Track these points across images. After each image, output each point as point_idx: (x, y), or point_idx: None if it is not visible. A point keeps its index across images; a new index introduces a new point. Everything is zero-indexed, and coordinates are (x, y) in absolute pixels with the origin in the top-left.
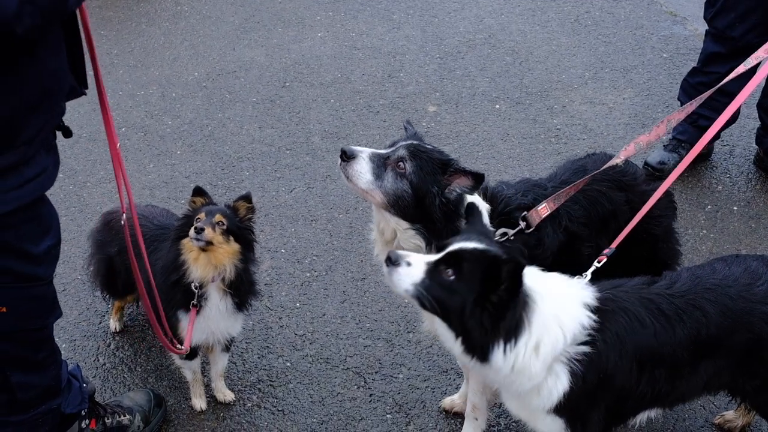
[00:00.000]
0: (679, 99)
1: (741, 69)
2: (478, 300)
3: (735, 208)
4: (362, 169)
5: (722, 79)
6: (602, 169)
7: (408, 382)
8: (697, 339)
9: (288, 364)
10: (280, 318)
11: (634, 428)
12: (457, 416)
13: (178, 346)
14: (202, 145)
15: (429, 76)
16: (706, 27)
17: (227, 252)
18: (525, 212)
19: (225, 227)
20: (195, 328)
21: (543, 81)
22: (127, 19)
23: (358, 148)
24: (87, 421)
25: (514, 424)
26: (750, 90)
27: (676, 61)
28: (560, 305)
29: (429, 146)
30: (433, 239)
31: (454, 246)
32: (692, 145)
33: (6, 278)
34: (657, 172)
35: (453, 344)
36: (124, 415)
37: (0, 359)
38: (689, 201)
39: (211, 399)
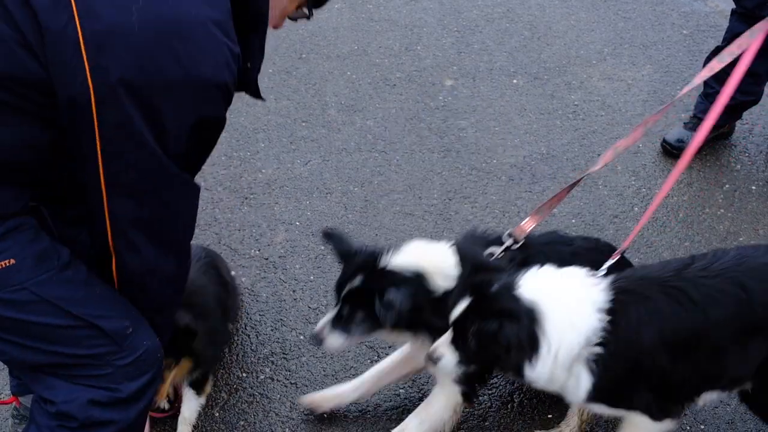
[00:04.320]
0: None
1: (716, 65)
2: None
3: (753, 187)
4: (334, 341)
5: None
6: (582, 177)
7: None
8: (740, 318)
9: (301, 337)
10: (294, 291)
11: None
12: None
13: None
14: None
15: (446, 49)
16: (732, 6)
17: (180, 371)
18: (510, 230)
19: (172, 363)
20: None
21: (561, 56)
22: None
23: (320, 326)
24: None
25: (506, 407)
26: (735, 81)
27: (696, 38)
28: (572, 310)
29: (357, 282)
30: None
31: (452, 317)
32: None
33: None
34: (675, 150)
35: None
36: None
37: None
38: (707, 180)
39: (224, 371)
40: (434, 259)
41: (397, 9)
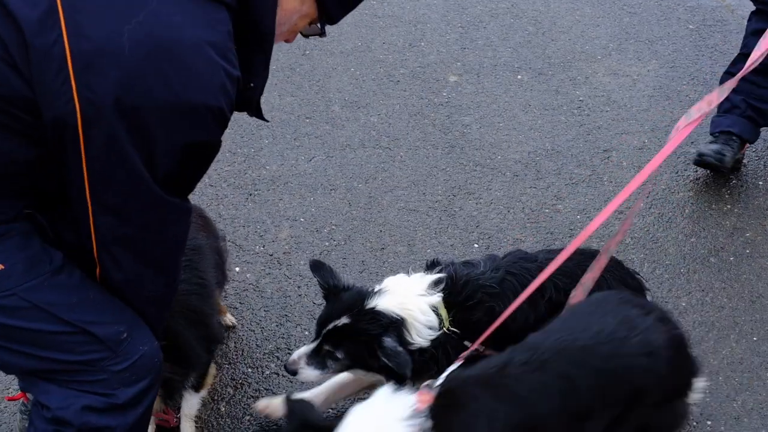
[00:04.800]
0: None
1: (682, 122)
2: None
3: (760, 182)
4: (307, 375)
5: None
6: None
7: None
8: (568, 407)
9: (306, 332)
10: (299, 287)
11: None
12: None
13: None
14: None
15: (450, 45)
16: (752, 8)
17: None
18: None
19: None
20: None
21: (566, 52)
22: None
23: (295, 357)
24: None
25: None
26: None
27: (702, 32)
28: None
29: (343, 323)
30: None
31: None
32: (742, 137)
33: None
34: (713, 162)
35: None
36: None
37: None
38: (714, 175)
39: (229, 366)
40: (413, 313)
41: (401, 5)
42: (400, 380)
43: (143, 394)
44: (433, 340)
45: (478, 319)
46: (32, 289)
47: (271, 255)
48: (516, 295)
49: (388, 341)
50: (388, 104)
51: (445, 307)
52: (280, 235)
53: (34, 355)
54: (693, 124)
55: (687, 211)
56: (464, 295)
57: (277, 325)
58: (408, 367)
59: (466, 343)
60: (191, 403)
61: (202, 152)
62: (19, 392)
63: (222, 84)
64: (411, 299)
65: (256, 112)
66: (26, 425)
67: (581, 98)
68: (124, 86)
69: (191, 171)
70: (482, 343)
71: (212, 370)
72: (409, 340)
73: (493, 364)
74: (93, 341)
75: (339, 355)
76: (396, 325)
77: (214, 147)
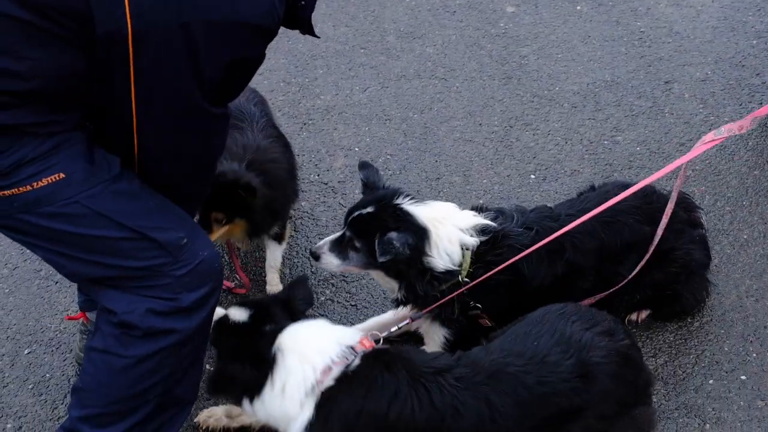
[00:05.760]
0: None
1: (710, 136)
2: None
3: None
4: (328, 261)
5: None
6: None
7: None
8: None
9: None
10: None
11: None
12: None
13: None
14: (275, 42)
15: None
16: None
17: (233, 230)
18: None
19: (223, 219)
20: None
21: None
22: None
23: (319, 245)
24: None
25: None
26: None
27: None
28: (308, 346)
29: (367, 211)
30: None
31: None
32: None
33: None
34: None
35: None
36: None
37: None
38: None
39: None
40: (440, 233)
41: None
42: (407, 296)
43: (206, 298)
44: (446, 274)
45: (499, 279)
46: (93, 196)
47: (326, 184)
48: (539, 255)
49: (393, 235)
50: (444, 35)
51: (474, 258)
52: (335, 165)
53: (98, 263)
54: (718, 140)
55: (750, 143)
56: (496, 254)
57: None
58: (388, 256)
59: (473, 303)
60: (276, 255)
61: (247, 66)
62: (79, 312)
63: (271, 3)
64: (446, 224)
65: (308, 30)
66: (85, 345)
67: (642, 29)
68: (175, 1)
69: (235, 82)
70: (500, 305)
71: (289, 228)
72: (427, 252)
73: (434, 365)
74: (154, 247)
75: (357, 244)
76: (415, 230)
77: (258, 61)
